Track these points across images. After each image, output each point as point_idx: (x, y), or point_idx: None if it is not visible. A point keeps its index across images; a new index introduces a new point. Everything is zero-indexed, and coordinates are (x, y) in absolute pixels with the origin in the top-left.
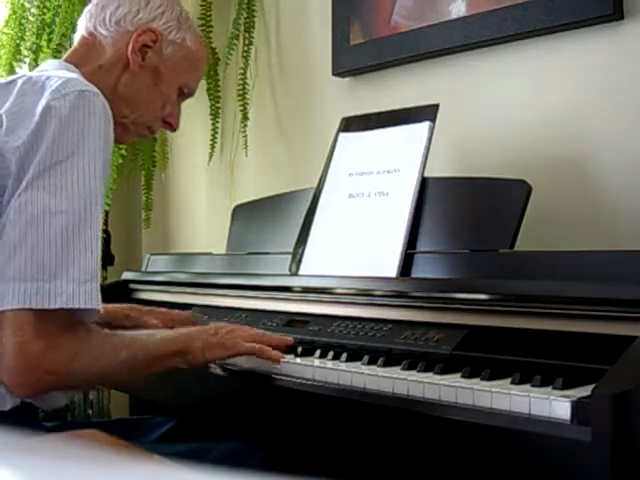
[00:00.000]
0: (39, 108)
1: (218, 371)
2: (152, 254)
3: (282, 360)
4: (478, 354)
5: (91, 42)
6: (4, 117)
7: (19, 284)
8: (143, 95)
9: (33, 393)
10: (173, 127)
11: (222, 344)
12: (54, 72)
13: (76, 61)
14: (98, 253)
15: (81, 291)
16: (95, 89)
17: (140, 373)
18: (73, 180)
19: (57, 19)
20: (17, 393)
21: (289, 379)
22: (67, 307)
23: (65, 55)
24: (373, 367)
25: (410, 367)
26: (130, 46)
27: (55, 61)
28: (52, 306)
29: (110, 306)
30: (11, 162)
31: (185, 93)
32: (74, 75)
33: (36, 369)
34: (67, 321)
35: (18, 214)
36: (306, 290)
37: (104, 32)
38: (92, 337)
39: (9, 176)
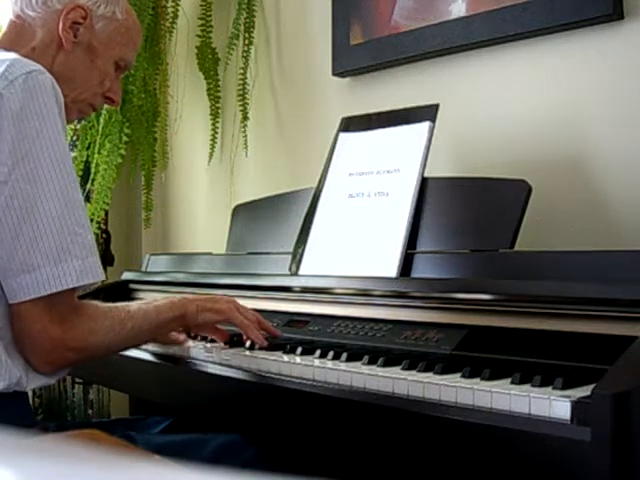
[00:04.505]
0: None
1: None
2: (152, 254)
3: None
4: (478, 354)
5: (20, 25)
6: None
7: (28, 275)
8: (80, 72)
9: (58, 369)
10: (115, 102)
11: (215, 309)
12: None
13: (8, 46)
14: (89, 225)
15: (86, 266)
16: (40, 67)
17: (145, 339)
18: (47, 163)
19: None
20: (43, 370)
21: (289, 379)
22: (78, 285)
23: None
24: (373, 367)
25: (410, 367)
26: (60, 25)
27: None
28: (64, 287)
29: None
30: None
31: (122, 67)
32: (14, 55)
33: (59, 349)
34: (74, 298)
35: (7, 210)
36: (306, 290)
37: (32, 14)
38: (100, 313)
39: None
